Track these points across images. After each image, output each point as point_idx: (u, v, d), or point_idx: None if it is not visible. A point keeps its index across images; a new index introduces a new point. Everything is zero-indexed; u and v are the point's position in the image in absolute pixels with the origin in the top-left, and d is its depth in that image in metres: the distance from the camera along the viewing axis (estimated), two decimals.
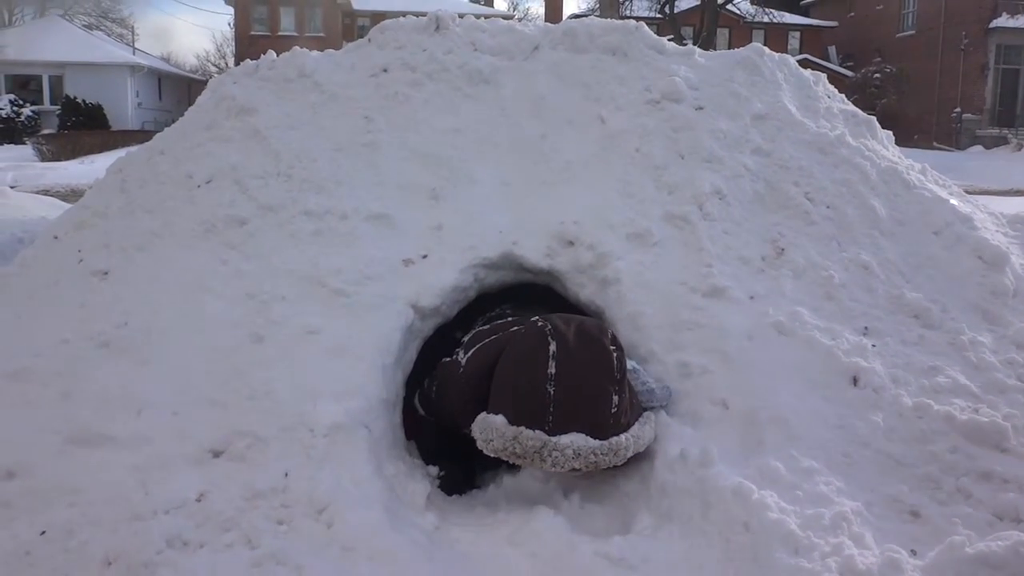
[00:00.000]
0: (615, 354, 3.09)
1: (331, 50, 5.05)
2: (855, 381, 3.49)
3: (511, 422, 3.02)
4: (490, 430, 3.06)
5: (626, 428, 3.08)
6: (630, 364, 3.28)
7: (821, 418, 3.35)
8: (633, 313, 3.71)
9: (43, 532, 2.92)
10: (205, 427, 3.22)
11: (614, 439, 3.02)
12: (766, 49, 5.13)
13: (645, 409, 3.29)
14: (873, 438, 3.31)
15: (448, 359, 3.51)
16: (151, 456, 3.14)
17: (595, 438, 2.99)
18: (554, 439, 2.97)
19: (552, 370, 3.01)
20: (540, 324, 3.11)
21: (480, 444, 3.11)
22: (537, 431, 2.98)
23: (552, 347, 3.03)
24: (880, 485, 3.17)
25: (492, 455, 3.10)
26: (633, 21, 5.15)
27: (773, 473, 3.07)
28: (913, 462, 3.26)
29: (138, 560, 2.78)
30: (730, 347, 3.55)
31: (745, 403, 3.38)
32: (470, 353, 3.38)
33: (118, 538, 2.86)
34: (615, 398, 3.04)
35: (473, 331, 3.58)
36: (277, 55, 4.96)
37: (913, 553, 2.82)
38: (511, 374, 3.10)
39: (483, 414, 3.13)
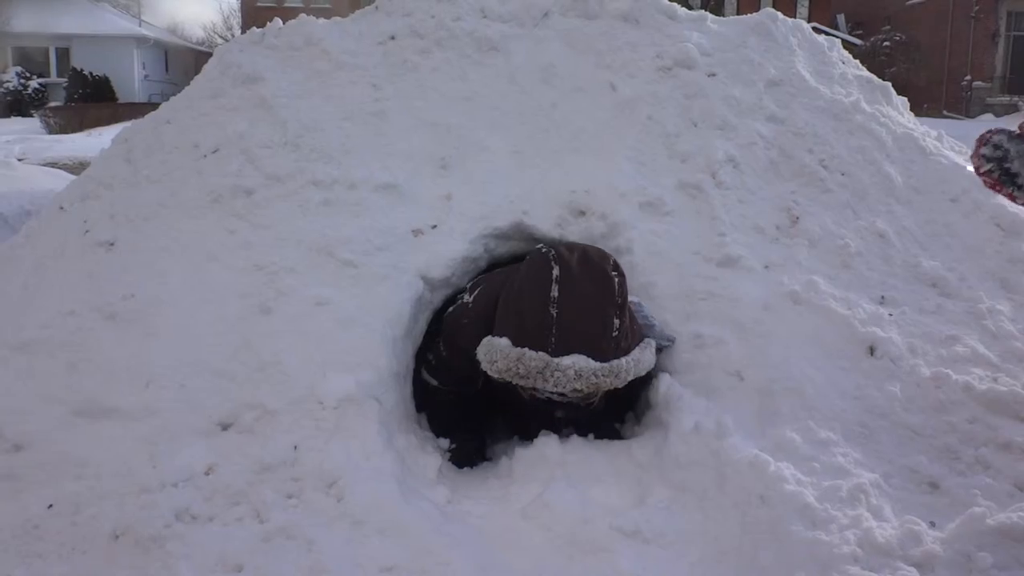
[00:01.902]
0: (616, 280, 3.11)
1: (338, 17, 4.98)
2: (872, 351, 3.45)
3: (514, 344, 3.06)
4: (494, 351, 3.11)
5: (627, 352, 3.10)
6: (634, 299, 3.32)
7: (838, 389, 3.32)
8: (646, 283, 3.67)
9: (50, 505, 2.90)
10: (213, 399, 3.19)
11: (615, 361, 3.04)
12: (779, 14, 5.05)
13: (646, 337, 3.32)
14: (890, 409, 3.28)
15: (452, 307, 3.54)
16: (159, 428, 3.12)
17: (596, 360, 3.02)
18: (556, 360, 2.99)
19: (555, 293, 3.04)
20: (544, 250, 3.15)
21: (484, 366, 3.14)
22: (540, 352, 3.01)
23: (555, 271, 3.07)
24: (898, 456, 3.14)
25: (496, 376, 3.13)
26: None
27: (789, 445, 3.04)
28: (931, 433, 3.23)
29: (146, 534, 2.77)
30: (745, 317, 3.51)
31: (760, 374, 3.34)
32: (477, 291, 3.44)
33: (126, 511, 2.84)
34: (616, 322, 3.07)
35: (476, 278, 3.62)
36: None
37: (932, 525, 2.80)
38: (515, 298, 3.14)
39: (488, 337, 3.17)
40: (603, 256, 3.19)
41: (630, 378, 3.11)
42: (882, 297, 3.72)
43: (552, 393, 3.13)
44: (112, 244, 3.86)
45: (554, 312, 3.02)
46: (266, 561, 2.70)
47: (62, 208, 4.27)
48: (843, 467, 2.97)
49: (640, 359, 3.14)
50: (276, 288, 3.54)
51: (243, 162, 4.04)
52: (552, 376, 2.99)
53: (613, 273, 3.11)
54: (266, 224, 3.80)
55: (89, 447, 3.08)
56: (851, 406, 3.27)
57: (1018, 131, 3.16)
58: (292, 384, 3.20)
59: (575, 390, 3.04)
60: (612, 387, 3.10)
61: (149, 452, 3.04)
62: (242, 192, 3.93)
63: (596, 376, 3.01)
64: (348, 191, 3.92)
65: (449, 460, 3.46)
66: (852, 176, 4.24)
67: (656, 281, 3.66)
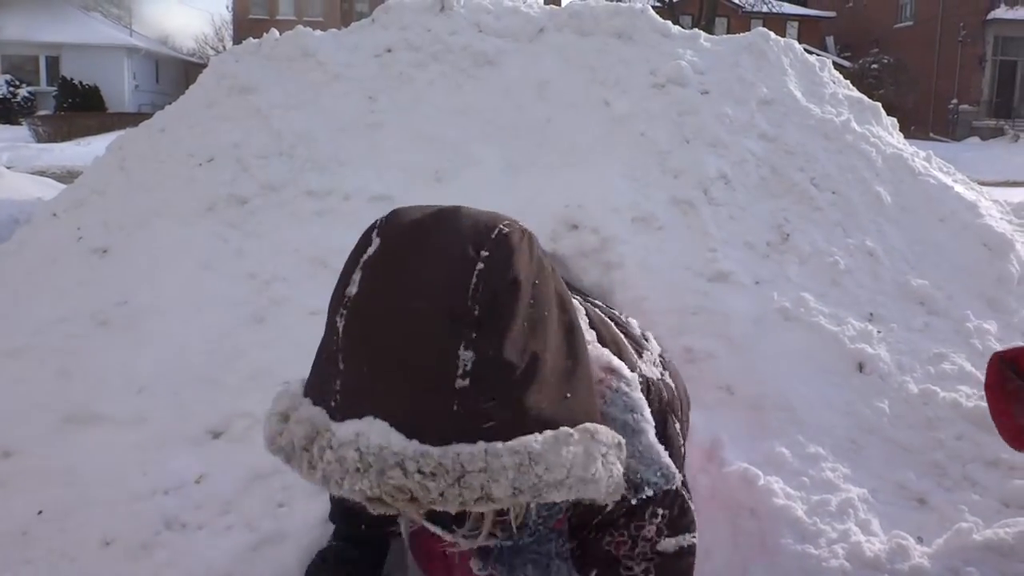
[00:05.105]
0: (482, 262, 1.47)
1: (335, 30, 5.00)
2: (861, 367, 3.47)
3: (304, 394, 1.61)
4: (266, 418, 1.64)
5: (510, 426, 1.42)
6: (637, 421, 1.91)
7: (827, 404, 3.33)
8: (637, 297, 3.67)
9: (40, 512, 2.89)
10: (204, 407, 3.18)
11: (459, 446, 1.39)
12: (772, 34, 5.09)
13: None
14: (879, 424, 3.30)
15: None
16: (150, 436, 3.11)
17: (410, 436, 1.40)
18: (335, 426, 1.46)
19: (352, 291, 1.54)
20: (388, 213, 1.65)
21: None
22: (318, 408, 1.53)
23: (371, 248, 1.59)
24: (886, 472, 3.15)
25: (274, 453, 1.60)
26: (639, 4, 5.11)
27: (779, 459, 3.05)
28: (919, 449, 3.24)
29: (136, 541, 2.76)
30: (735, 332, 3.52)
31: (750, 388, 3.35)
32: None
33: (116, 519, 2.83)
34: (468, 352, 1.40)
35: None
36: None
37: (920, 540, 2.81)
38: None
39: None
40: (490, 222, 1.56)
41: (522, 497, 1.42)
42: (871, 314, 3.75)
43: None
44: (105, 251, 3.86)
45: (340, 325, 1.53)
46: (255, 570, 2.70)
47: (55, 215, 4.27)
48: (832, 482, 2.98)
49: (556, 457, 1.44)
50: (269, 297, 3.54)
51: (237, 171, 4.05)
52: (321, 458, 1.46)
53: (482, 252, 1.48)
54: (260, 233, 3.81)
55: (79, 454, 3.07)
56: (840, 421, 3.28)
57: None
58: None
59: (370, 499, 1.44)
60: (460, 507, 1.43)
61: (139, 460, 3.03)
62: (236, 201, 3.94)
63: (404, 470, 1.37)
64: (342, 201, 3.93)
65: None
66: (842, 194, 4.26)
67: (647, 295, 3.66)
